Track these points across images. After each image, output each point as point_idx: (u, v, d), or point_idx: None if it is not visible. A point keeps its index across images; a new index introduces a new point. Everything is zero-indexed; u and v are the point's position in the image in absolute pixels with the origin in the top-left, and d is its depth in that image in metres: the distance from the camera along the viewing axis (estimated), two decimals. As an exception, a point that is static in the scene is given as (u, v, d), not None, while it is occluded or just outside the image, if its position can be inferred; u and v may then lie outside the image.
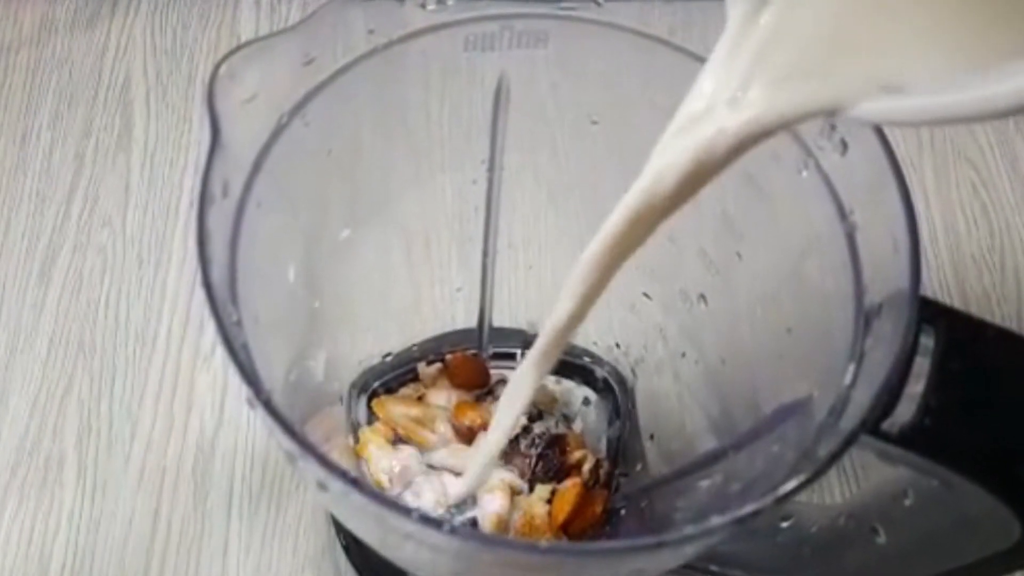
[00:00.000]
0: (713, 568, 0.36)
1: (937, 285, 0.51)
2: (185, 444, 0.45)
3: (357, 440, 0.38)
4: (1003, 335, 0.24)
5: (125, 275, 0.49)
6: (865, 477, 0.45)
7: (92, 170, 0.52)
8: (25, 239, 0.50)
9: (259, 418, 0.22)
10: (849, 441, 0.22)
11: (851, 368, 0.25)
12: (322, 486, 0.22)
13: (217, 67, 0.24)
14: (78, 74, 0.55)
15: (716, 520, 0.21)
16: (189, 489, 0.44)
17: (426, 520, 0.21)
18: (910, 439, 0.23)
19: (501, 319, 0.41)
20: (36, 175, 0.52)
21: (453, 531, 0.21)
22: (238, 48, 0.25)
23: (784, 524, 0.35)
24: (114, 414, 0.46)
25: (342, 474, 0.21)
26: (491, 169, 0.35)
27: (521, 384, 0.28)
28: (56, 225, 0.50)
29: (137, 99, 0.55)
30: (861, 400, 0.24)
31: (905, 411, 0.23)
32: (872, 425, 0.23)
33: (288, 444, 0.21)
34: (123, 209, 0.51)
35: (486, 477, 0.34)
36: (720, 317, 0.35)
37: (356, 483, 0.21)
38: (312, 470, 0.21)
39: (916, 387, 0.24)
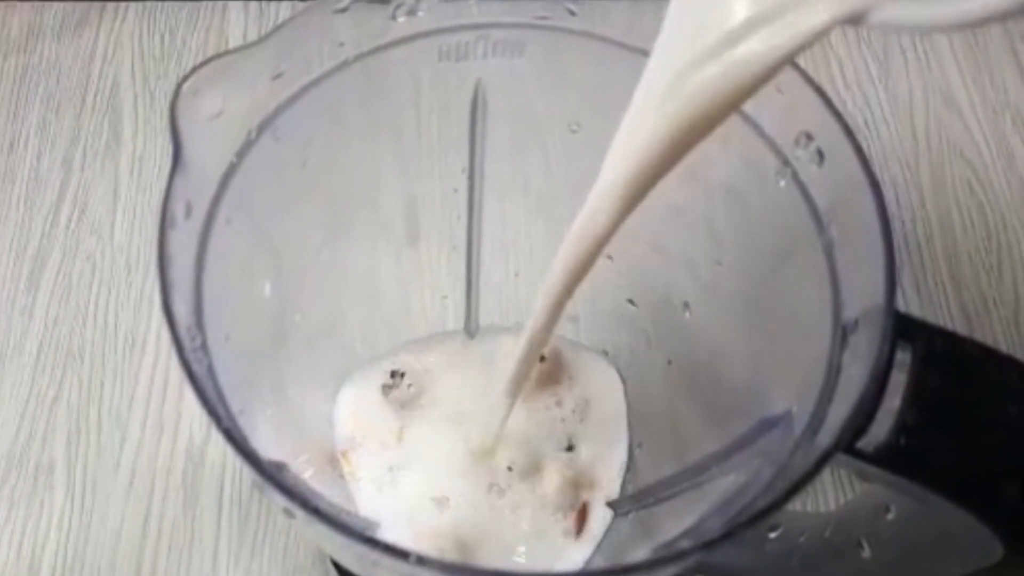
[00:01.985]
0: (700, 578, 0.36)
1: (932, 285, 0.50)
2: (175, 450, 0.45)
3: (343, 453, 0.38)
4: (981, 350, 0.24)
5: (114, 281, 0.49)
6: (860, 483, 0.44)
7: (80, 176, 0.52)
8: (13, 246, 0.50)
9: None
10: (823, 461, 0.22)
11: (827, 383, 0.24)
12: (288, 513, 0.22)
13: (180, 84, 0.24)
14: (66, 80, 0.55)
15: (684, 544, 0.21)
16: (179, 495, 0.44)
17: (391, 551, 0.21)
18: (886, 458, 0.23)
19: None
20: (24, 182, 0.52)
21: (420, 561, 0.21)
22: (203, 64, 0.25)
23: (772, 534, 0.35)
24: (104, 420, 0.46)
25: (303, 502, 0.20)
26: (471, 178, 0.34)
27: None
28: (45, 231, 0.50)
29: (125, 104, 0.54)
30: (837, 417, 0.23)
31: (881, 429, 0.23)
32: (848, 443, 0.23)
33: (249, 471, 0.21)
34: (112, 215, 0.51)
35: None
36: (704, 325, 0.35)
37: (318, 511, 0.20)
38: (275, 498, 0.21)
39: (892, 403, 0.23)
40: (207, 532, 0.43)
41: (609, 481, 0.36)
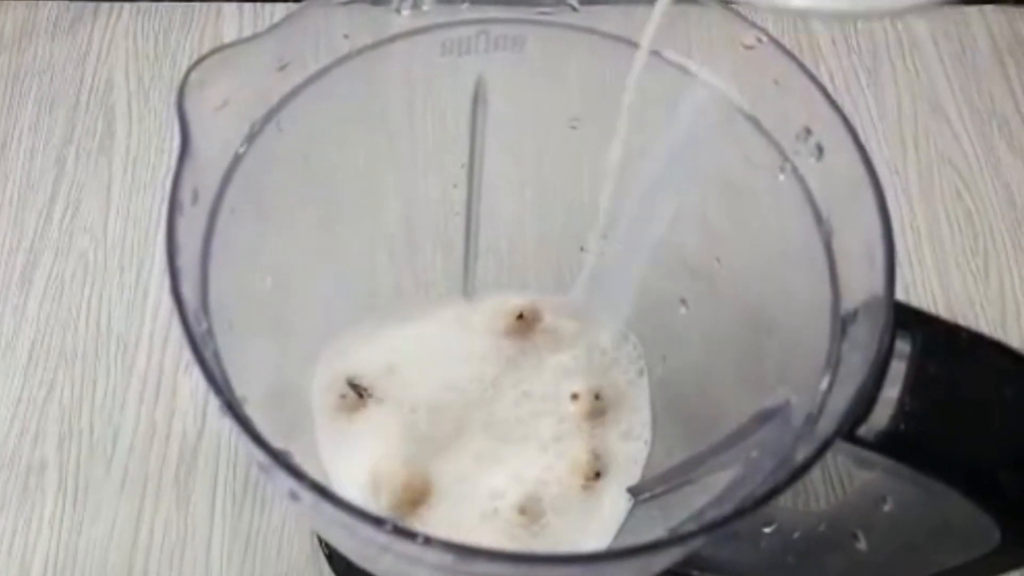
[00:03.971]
0: (695, 574, 0.36)
1: (921, 290, 0.51)
2: (168, 449, 0.45)
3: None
4: (977, 339, 0.24)
5: (107, 280, 0.49)
6: (851, 482, 0.45)
7: (73, 175, 0.52)
8: (6, 245, 0.50)
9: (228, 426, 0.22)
10: (823, 447, 0.22)
11: (827, 373, 0.25)
12: (294, 496, 0.22)
13: (187, 74, 0.24)
14: (59, 79, 0.55)
15: (688, 528, 0.21)
16: (171, 495, 0.44)
17: (399, 532, 0.21)
18: (885, 444, 0.23)
19: (484, 324, 0.40)
20: (17, 181, 0.52)
21: (427, 542, 0.21)
22: (209, 54, 0.25)
23: (767, 530, 0.35)
24: (96, 420, 0.45)
25: (311, 484, 0.20)
26: (470, 173, 0.34)
27: None
28: (37, 231, 0.50)
29: (119, 104, 0.54)
30: (837, 406, 0.23)
31: (881, 416, 0.23)
32: (848, 431, 0.23)
33: (257, 454, 0.21)
34: (105, 214, 0.51)
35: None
36: (701, 321, 0.35)
37: (325, 492, 0.20)
38: (282, 480, 0.21)
39: (892, 392, 0.23)
40: (200, 532, 0.43)
41: (628, 465, 0.35)
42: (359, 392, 0.36)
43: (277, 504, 0.44)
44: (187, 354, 0.46)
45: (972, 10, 0.60)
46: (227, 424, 0.22)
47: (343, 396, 0.36)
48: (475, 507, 0.34)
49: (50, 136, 0.53)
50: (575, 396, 0.36)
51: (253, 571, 0.42)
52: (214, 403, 0.37)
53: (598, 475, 0.35)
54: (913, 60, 0.58)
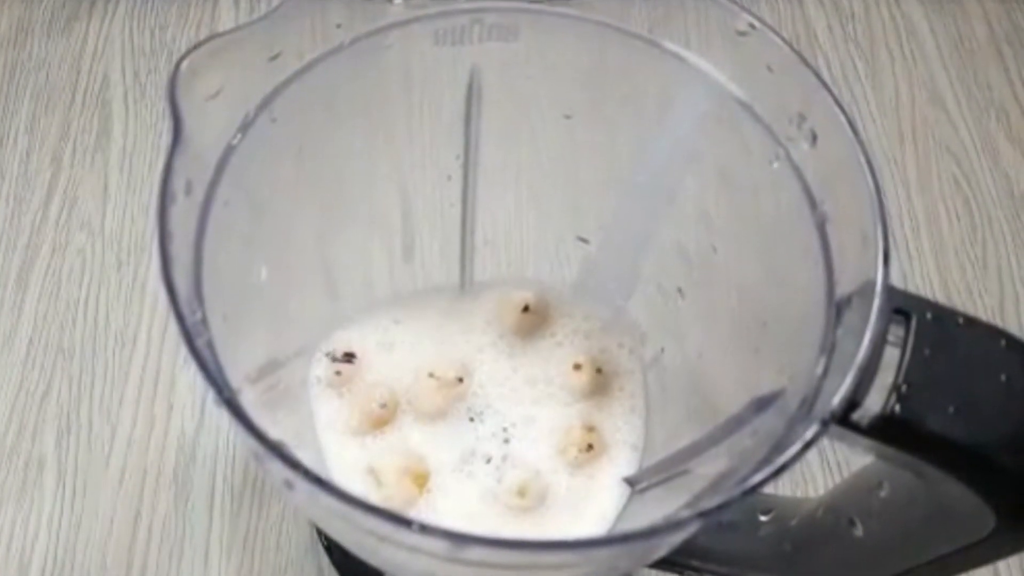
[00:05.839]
0: (695, 563, 0.36)
1: (919, 279, 0.51)
2: (166, 445, 0.45)
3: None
4: (972, 324, 0.24)
5: (104, 276, 0.49)
6: (849, 469, 0.45)
7: (70, 172, 0.52)
8: (3, 242, 0.50)
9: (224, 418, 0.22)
10: (818, 433, 0.22)
11: (822, 359, 0.24)
12: (289, 485, 0.22)
13: (179, 62, 0.24)
14: (55, 76, 0.55)
15: (684, 514, 0.21)
16: (170, 490, 0.44)
17: (394, 519, 0.21)
18: (880, 429, 0.23)
19: (481, 316, 0.40)
20: (14, 178, 0.52)
21: (423, 529, 0.21)
22: (201, 43, 0.25)
23: (764, 518, 0.35)
24: (94, 416, 0.46)
25: (305, 472, 0.20)
26: (466, 164, 0.34)
27: None
28: (34, 227, 0.50)
29: (115, 100, 0.54)
30: (832, 391, 0.23)
31: (876, 401, 0.23)
32: (842, 416, 0.23)
33: (252, 443, 0.21)
34: (102, 210, 0.51)
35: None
36: (698, 311, 0.35)
37: (321, 481, 0.20)
38: (277, 469, 0.21)
39: (886, 377, 0.23)
40: (198, 527, 0.43)
41: (626, 449, 0.35)
42: (348, 358, 0.36)
43: (276, 497, 0.44)
44: (184, 348, 0.47)
45: (970, 0, 0.60)
46: (223, 415, 0.22)
47: (338, 373, 0.36)
48: (474, 491, 0.34)
49: (47, 133, 0.53)
50: (577, 366, 0.36)
51: (252, 564, 0.42)
52: (210, 395, 0.37)
53: (591, 447, 0.34)
54: (911, 49, 0.58)
